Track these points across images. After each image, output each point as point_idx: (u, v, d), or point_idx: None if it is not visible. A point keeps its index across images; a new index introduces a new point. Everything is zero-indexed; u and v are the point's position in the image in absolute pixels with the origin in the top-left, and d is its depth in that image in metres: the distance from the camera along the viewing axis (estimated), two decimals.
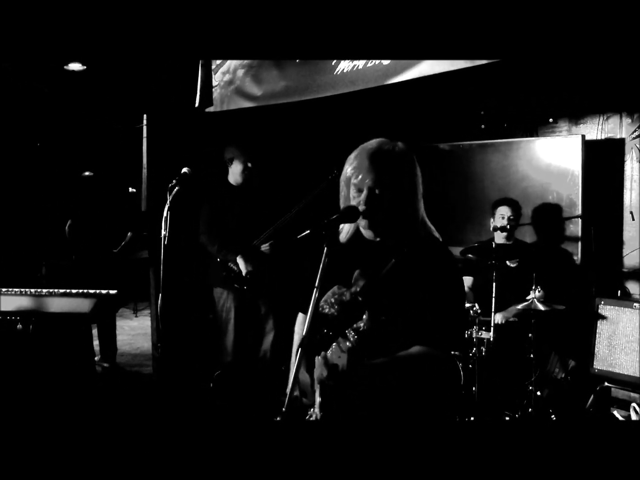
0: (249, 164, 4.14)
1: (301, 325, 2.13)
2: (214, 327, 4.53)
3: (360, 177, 1.81)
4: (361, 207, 1.82)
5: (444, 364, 1.90)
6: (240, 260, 4.11)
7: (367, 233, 1.92)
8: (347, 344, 1.77)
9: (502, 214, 4.02)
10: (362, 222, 1.88)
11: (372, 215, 1.84)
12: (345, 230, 1.96)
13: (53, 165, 6.36)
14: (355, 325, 1.83)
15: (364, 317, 1.82)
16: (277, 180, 4.60)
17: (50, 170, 6.29)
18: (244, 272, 4.10)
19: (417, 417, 1.88)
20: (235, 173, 4.19)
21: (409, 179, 1.85)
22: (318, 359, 1.77)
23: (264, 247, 4.17)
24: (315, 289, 1.78)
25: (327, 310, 1.91)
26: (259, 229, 4.16)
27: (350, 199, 1.86)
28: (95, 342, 5.24)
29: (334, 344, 1.80)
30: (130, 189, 6.23)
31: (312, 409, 1.90)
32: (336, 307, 1.90)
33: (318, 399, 1.84)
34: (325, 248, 1.80)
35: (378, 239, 1.91)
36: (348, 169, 1.85)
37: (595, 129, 4.56)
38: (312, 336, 1.78)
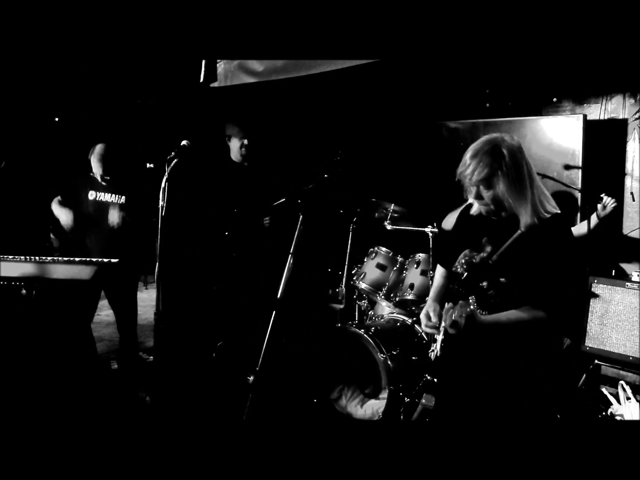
0: (246, 141, 4.24)
1: (439, 274, 2.49)
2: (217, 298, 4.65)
3: (467, 176, 2.12)
4: (473, 202, 2.18)
5: (549, 328, 2.10)
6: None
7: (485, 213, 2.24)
8: (468, 309, 1.96)
9: None
10: (481, 208, 2.20)
11: (482, 204, 2.16)
12: (475, 206, 2.25)
13: (69, 141, 6.43)
14: (479, 285, 2.11)
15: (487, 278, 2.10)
16: (277, 156, 4.68)
17: (65, 145, 6.36)
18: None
19: (520, 372, 2.13)
20: (234, 150, 4.31)
21: (508, 171, 2.08)
22: (446, 307, 2.01)
23: (265, 221, 4.30)
24: (290, 255, 1.88)
25: (458, 269, 2.20)
26: (260, 203, 4.26)
27: (470, 192, 2.19)
28: None
29: (460, 302, 2.00)
30: (148, 165, 6.25)
31: (434, 345, 2.20)
32: (465, 267, 2.16)
33: (441, 337, 2.12)
34: (301, 216, 1.89)
35: (501, 215, 2.18)
36: (460, 168, 2.15)
37: (599, 109, 4.53)
38: (286, 298, 1.89)
